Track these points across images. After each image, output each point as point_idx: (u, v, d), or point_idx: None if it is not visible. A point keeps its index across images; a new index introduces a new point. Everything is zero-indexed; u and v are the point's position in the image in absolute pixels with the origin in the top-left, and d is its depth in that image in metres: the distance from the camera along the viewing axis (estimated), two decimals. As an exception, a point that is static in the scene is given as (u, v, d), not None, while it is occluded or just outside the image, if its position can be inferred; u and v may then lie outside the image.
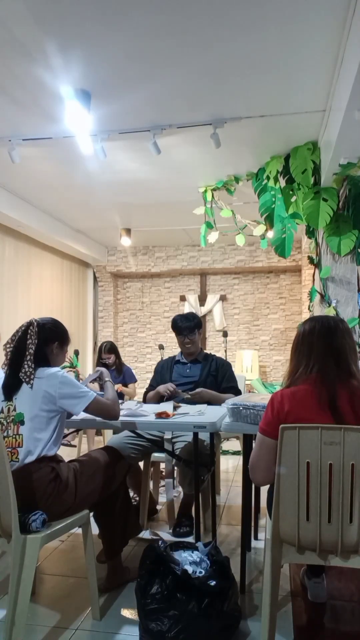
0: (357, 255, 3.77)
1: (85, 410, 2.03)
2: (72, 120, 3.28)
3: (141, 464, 3.08)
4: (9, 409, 2.01)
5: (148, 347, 7.94)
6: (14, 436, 1.96)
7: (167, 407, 2.62)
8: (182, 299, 7.75)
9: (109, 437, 3.20)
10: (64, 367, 2.69)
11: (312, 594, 2.17)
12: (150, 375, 3.46)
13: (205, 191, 4.67)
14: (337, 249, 3.72)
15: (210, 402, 2.91)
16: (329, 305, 3.80)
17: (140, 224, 6.28)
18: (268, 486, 1.89)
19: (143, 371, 7.68)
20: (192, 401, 2.88)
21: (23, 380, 1.98)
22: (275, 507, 1.69)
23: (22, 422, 1.97)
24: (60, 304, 6.96)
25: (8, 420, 1.99)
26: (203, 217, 4.71)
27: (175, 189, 4.87)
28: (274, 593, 1.73)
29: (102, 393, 2.30)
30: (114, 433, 3.16)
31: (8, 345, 2.06)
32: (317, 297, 3.94)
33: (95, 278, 7.99)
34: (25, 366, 1.98)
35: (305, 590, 2.22)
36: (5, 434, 1.97)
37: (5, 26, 2.44)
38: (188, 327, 3.17)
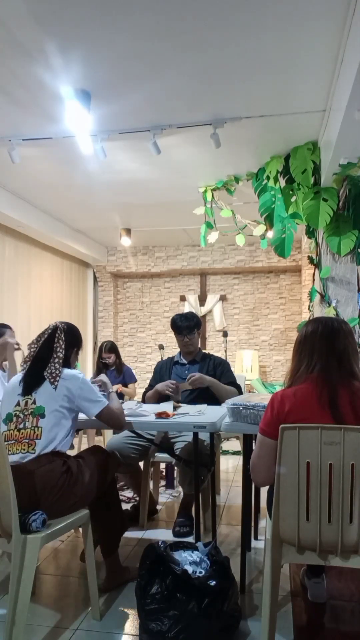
0: (357, 255, 3.77)
1: (97, 416, 2.14)
2: (72, 120, 3.28)
3: (141, 464, 3.08)
4: (26, 402, 2.07)
5: (148, 347, 7.94)
6: (32, 428, 2.03)
7: (167, 407, 2.63)
8: (182, 299, 7.75)
9: (109, 437, 3.20)
10: None
11: (312, 594, 2.17)
12: (149, 375, 3.46)
13: (205, 191, 4.68)
14: (337, 249, 3.72)
15: (211, 391, 2.94)
16: (329, 305, 3.80)
17: (140, 224, 6.28)
18: (268, 486, 1.89)
19: (143, 371, 7.68)
20: (194, 389, 2.92)
21: (47, 379, 2.07)
22: (275, 507, 1.69)
23: (42, 415, 2.04)
24: (60, 304, 6.96)
25: (26, 413, 2.06)
26: (203, 217, 4.71)
27: (175, 189, 4.87)
28: (274, 593, 1.73)
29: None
30: (114, 433, 3.17)
31: (33, 345, 2.17)
32: (317, 297, 3.94)
33: (95, 278, 7.99)
34: (52, 367, 2.09)
35: (305, 590, 2.22)
36: (22, 425, 2.04)
37: (5, 26, 2.44)
38: (187, 326, 3.17)
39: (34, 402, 2.06)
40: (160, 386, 3.03)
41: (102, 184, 4.71)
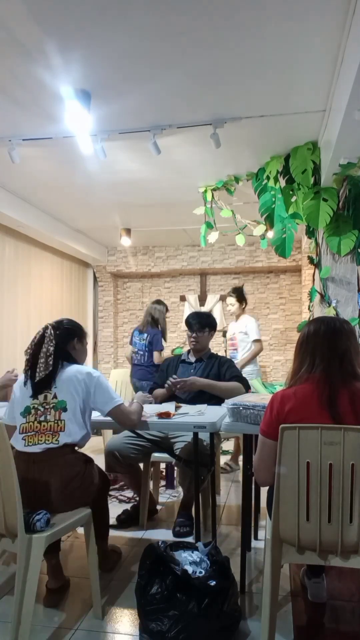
0: (357, 255, 3.77)
1: (109, 413, 2.18)
2: (72, 120, 3.28)
3: (141, 464, 3.08)
4: (45, 396, 2.11)
5: (148, 347, 7.92)
6: (55, 421, 2.08)
7: (169, 407, 2.63)
8: (182, 299, 7.75)
9: (108, 437, 3.20)
10: None
11: (312, 593, 2.17)
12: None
13: (205, 191, 4.67)
14: (337, 249, 3.72)
15: (210, 394, 2.94)
16: (329, 305, 3.80)
17: (140, 224, 6.28)
18: (268, 486, 1.90)
19: (143, 371, 7.67)
20: (186, 392, 2.96)
21: (38, 375, 2.10)
22: (275, 507, 1.69)
23: (64, 409, 2.09)
24: (60, 304, 6.96)
25: (46, 407, 2.10)
26: (203, 217, 4.71)
27: (175, 189, 4.87)
28: (274, 593, 1.73)
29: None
30: (114, 433, 3.17)
31: (28, 351, 2.19)
32: (317, 297, 3.94)
33: (95, 278, 7.99)
34: (41, 366, 2.10)
35: (305, 590, 2.22)
36: (42, 418, 2.09)
37: (5, 26, 2.44)
38: (198, 323, 3.22)
39: (55, 397, 2.11)
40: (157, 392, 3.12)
41: (102, 184, 4.71)
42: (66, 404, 2.10)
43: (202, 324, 3.22)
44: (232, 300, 4.88)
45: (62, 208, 5.59)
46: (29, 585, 1.77)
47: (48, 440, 2.06)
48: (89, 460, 2.21)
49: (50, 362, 2.12)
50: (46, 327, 2.21)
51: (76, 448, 2.16)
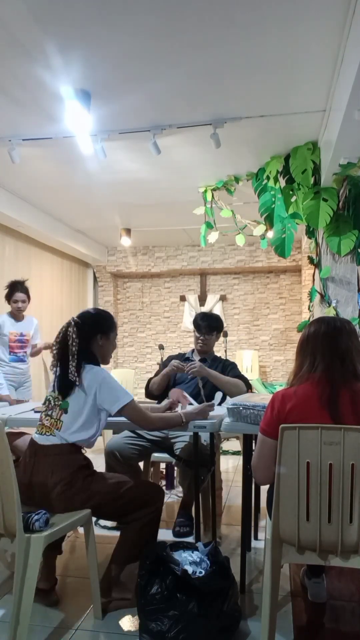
0: (357, 255, 3.77)
1: (121, 413, 2.10)
2: (72, 120, 3.29)
3: (141, 464, 3.08)
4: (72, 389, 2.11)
5: (148, 347, 7.93)
6: (56, 419, 2.09)
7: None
8: (182, 299, 7.75)
9: (108, 437, 3.20)
10: None
11: (312, 593, 2.17)
12: (149, 375, 3.46)
13: (205, 191, 4.67)
14: (337, 249, 3.72)
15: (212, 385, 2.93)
16: (329, 305, 3.80)
17: (140, 224, 6.28)
18: (268, 486, 1.90)
19: (143, 371, 7.68)
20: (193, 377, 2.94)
21: (72, 379, 2.07)
22: (275, 507, 1.69)
23: (65, 411, 2.08)
24: (60, 304, 6.96)
25: (56, 402, 2.11)
26: (203, 217, 4.71)
27: (175, 189, 4.87)
28: (274, 593, 1.73)
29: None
30: (114, 433, 3.16)
31: (54, 347, 2.16)
32: (317, 297, 3.94)
33: (95, 278, 7.99)
34: (71, 367, 2.07)
35: (305, 590, 2.22)
36: (50, 412, 2.12)
37: (5, 26, 2.44)
38: (207, 326, 3.20)
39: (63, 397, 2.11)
40: (166, 369, 3.05)
41: (102, 184, 4.71)
42: (68, 407, 2.08)
43: (211, 327, 3.19)
44: None
45: (62, 208, 5.59)
46: (27, 585, 1.77)
47: (49, 433, 2.08)
48: (89, 466, 2.12)
49: (73, 368, 2.06)
50: (69, 324, 2.13)
51: (84, 450, 2.14)
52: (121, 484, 2.14)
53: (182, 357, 3.32)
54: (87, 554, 2.07)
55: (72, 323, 2.14)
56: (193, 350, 3.32)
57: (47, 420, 2.12)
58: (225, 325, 7.50)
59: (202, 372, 2.90)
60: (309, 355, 1.82)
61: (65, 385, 2.10)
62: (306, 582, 2.22)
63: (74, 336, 2.10)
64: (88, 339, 2.17)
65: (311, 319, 2.04)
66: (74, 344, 2.08)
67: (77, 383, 2.07)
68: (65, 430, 2.07)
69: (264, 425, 1.78)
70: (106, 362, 2.29)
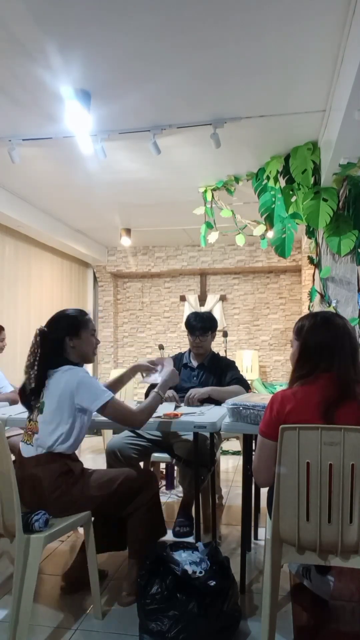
0: (357, 255, 3.77)
1: (103, 412, 2.05)
2: (72, 120, 3.28)
3: (141, 463, 3.08)
4: (42, 395, 2.10)
5: (148, 347, 7.93)
6: (34, 421, 2.09)
7: (169, 407, 2.63)
8: (182, 299, 7.75)
9: (109, 437, 3.20)
10: None
11: (317, 587, 2.16)
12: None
13: (205, 191, 4.67)
14: (337, 249, 3.72)
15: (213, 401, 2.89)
16: (329, 305, 3.80)
17: (140, 224, 6.28)
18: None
19: (143, 371, 7.66)
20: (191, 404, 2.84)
21: (28, 385, 2.08)
22: (275, 507, 1.69)
23: (41, 411, 2.07)
24: (60, 304, 6.96)
25: (36, 405, 2.10)
26: (203, 217, 4.71)
27: (175, 189, 4.87)
28: (274, 593, 1.73)
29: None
30: (114, 433, 3.16)
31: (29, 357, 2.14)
32: (317, 297, 3.94)
33: (95, 278, 7.99)
34: (32, 373, 2.07)
35: (306, 589, 2.22)
36: (32, 416, 2.11)
37: (5, 26, 2.44)
38: (202, 327, 3.08)
39: (42, 397, 2.08)
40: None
41: (102, 184, 4.71)
42: (44, 406, 2.05)
43: (205, 328, 3.08)
44: None
45: (62, 208, 5.59)
46: (27, 586, 1.77)
47: (28, 441, 2.07)
48: (71, 472, 2.05)
49: (33, 376, 2.06)
50: (36, 334, 2.11)
51: (64, 452, 2.05)
52: (113, 480, 2.12)
53: (180, 358, 3.28)
54: (87, 554, 2.07)
55: (37, 332, 2.11)
56: (190, 351, 3.27)
57: (29, 424, 2.11)
58: (225, 325, 7.53)
59: (203, 396, 2.85)
60: (308, 355, 1.81)
61: (32, 393, 2.09)
62: (311, 577, 2.22)
63: (36, 346, 2.09)
64: (56, 342, 2.13)
65: (307, 314, 2.02)
66: (34, 352, 2.08)
67: (39, 389, 2.06)
68: (42, 433, 2.03)
69: (263, 426, 1.78)
70: (89, 361, 2.24)
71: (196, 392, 2.85)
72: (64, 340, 2.14)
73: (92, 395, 2.03)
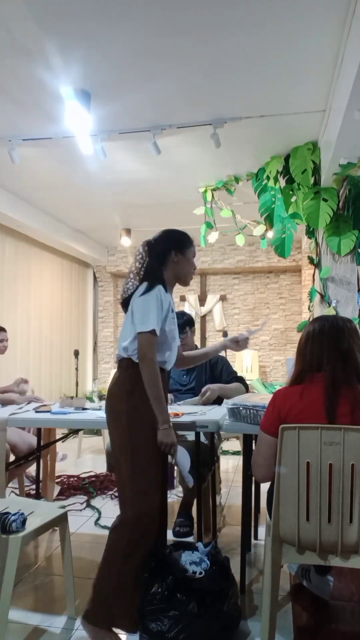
0: (357, 255, 3.77)
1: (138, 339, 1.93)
2: (72, 120, 3.29)
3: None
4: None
5: (148, 347, 7.92)
6: None
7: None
8: (182, 299, 7.75)
9: (108, 438, 3.19)
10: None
11: (317, 587, 2.17)
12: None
13: (205, 191, 4.68)
14: (337, 249, 3.72)
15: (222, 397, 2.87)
16: (329, 305, 3.80)
17: (140, 224, 6.28)
18: (268, 486, 1.89)
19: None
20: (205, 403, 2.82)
21: (125, 296, 2.04)
22: (275, 507, 1.69)
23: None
24: (60, 304, 6.96)
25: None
26: (203, 217, 4.71)
27: (175, 189, 4.87)
28: (274, 593, 1.73)
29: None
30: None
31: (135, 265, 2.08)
32: (317, 297, 3.94)
33: (95, 278, 7.99)
34: (129, 282, 2.02)
35: (306, 589, 2.22)
36: None
37: (5, 26, 2.44)
38: (178, 325, 3.09)
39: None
40: None
41: (102, 184, 4.71)
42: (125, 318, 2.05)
43: (181, 326, 2.96)
44: None
45: (62, 208, 5.59)
46: (5, 586, 1.76)
47: None
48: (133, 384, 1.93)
49: (131, 285, 2.00)
50: (143, 244, 2.06)
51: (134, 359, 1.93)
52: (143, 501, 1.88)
53: None
54: (63, 553, 2.06)
55: (145, 243, 2.05)
56: None
57: None
58: (225, 325, 7.54)
59: (215, 394, 2.82)
60: (311, 354, 1.82)
61: (124, 300, 2.05)
62: (311, 577, 2.22)
63: (143, 254, 2.03)
64: (163, 254, 2.05)
65: (311, 319, 2.02)
66: (144, 259, 2.02)
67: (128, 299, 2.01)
68: (120, 340, 2.00)
69: (264, 421, 1.78)
70: (185, 282, 2.15)
71: (211, 391, 2.81)
72: (169, 252, 2.06)
73: (140, 317, 1.92)
